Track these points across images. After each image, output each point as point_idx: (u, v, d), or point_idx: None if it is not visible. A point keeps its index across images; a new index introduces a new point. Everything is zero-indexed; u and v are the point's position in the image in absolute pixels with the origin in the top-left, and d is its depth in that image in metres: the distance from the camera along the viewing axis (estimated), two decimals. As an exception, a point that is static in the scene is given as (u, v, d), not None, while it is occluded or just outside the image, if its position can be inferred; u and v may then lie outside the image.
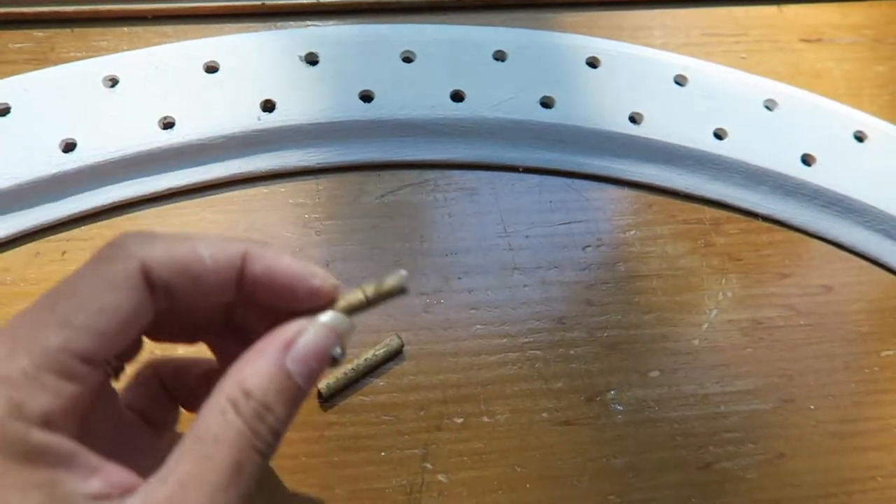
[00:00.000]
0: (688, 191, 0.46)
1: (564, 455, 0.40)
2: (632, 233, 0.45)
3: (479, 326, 0.42)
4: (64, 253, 0.40)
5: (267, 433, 0.23)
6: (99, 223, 0.41)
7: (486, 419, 0.40)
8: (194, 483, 0.21)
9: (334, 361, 0.25)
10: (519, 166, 0.45)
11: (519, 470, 0.39)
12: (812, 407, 0.43)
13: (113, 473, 0.21)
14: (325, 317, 0.25)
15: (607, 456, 0.40)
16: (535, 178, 0.46)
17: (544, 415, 0.41)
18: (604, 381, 0.42)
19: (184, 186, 0.42)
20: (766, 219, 0.46)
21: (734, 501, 0.40)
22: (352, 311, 0.26)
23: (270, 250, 0.25)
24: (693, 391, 0.42)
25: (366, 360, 0.39)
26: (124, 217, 0.41)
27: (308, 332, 0.24)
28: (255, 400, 0.22)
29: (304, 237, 0.42)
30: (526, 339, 0.42)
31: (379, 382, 0.40)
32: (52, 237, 0.40)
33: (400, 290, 0.26)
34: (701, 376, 0.42)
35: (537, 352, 0.42)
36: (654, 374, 0.42)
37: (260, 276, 0.24)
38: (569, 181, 0.46)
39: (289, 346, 0.23)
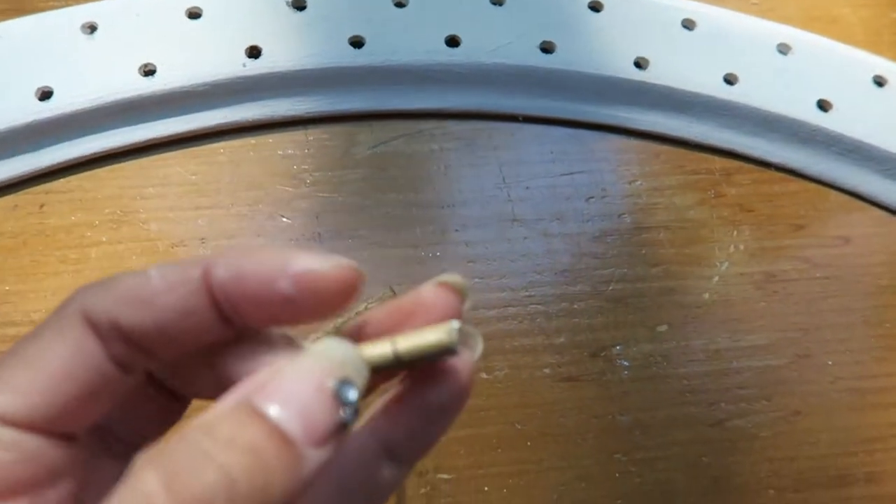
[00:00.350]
0: (696, 139, 0.44)
1: (567, 412, 0.38)
2: (638, 183, 0.43)
3: (476, 280, 0.40)
4: (42, 206, 0.38)
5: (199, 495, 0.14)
6: (79, 175, 0.39)
7: (484, 375, 0.38)
8: None
9: (342, 407, 0.16)
10: (518, 115, 0.43)
11: (519, 427, 0.37)
12: (830, 363, 0.40)
13: None
14: (318, 344, 0.17)
15: (613, 413, 0.38)
16: (536, 128, 0.44)
17: (546, 371, 0.38)
18: (609, 336, 0.40)
19: (167, 137, 0.40)
20: (779, 168, 0.44)
21: (747, 460, 0.38)
22: (373, 365, 0.18)
23: (235, 249, 0.19)
24: (703, 346, 0.40)
25: (357, 314, 0.37)
26: (106, 169, 0.40)
27: (286, 365, 0.17)
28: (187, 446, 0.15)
29: (292, 190, 0.40)
30: (526, 293, 0.40)
31: (372, 338, 0.38)
32: (29, 189, 0.39)
33: (447, 351, 0.18)
34: (711, 331, 0.40)
35: (539, 306, 0.40)
36: (662, 328, 0.40)
37: (228, 284, 0.17)
38: (571, 130, 0.44)
39: (261, 386, 0.16)
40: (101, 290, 0.18)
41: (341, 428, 0.16)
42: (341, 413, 0.16)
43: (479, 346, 0.19)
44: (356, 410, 0.16)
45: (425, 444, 0.20)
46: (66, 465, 0.18)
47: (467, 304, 0.19)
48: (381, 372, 0.18)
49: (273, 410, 0.15)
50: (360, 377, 0.17)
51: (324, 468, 0.16)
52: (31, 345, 0.17)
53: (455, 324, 0.18)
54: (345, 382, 0.16)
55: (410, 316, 0.19)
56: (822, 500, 0.38)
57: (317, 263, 0.17)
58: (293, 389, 0.16)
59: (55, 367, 0.17)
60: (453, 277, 0.19)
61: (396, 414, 0.19)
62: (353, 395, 0.16)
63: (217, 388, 0.19)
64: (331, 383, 0.16)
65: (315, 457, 0.15)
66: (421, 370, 0.19)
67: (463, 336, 0.18)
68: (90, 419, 0.18)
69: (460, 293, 0.19)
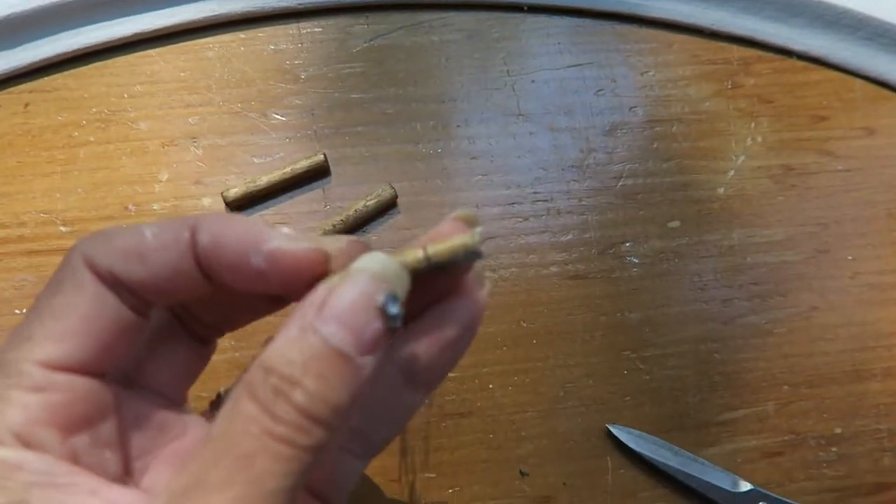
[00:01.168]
0: (713, 27, 0.41)
1: (575, 310, 0.37)
2: (650, 74, 0.41)
3: (479, 177, 0.38)
4: (27, 105, 0.37)
5: (294, 415, 0.17)
6: (64, 73, 0.38)
7: (490, 274, 0.37)
8: (190, 490, 0.17)
9: (388, 318, 0.18)
10: (523, 4, 0.41)
11: (525, 325, 0.36)
12: (849, 257, 0.39)
13: (113, 496, 0.18)
14: (361, 261, 0.19)
15: (622, 310, 0.37)
16: (542, 18, 0.41)
17: (553, 269, 0.37)
18: (618, 233, 0.38)
19: (153, 31, 0.38)
20: (801, 56, 0.41)
21: (761, 356, 0.37)
22: (409, 269, 0.19)
23: (220, 215, 0.20)
24: (717, 242, 0.38)
25: (356, 211, 0.36)
26: (91, 66, 0.38)
27: (339, 285, 0.18)
28: (276, 375, 0.17)
29: (286, 86, 0.38)
30: (532, 190, 0.38)
31: (371, 237, 0.37)
32: (13, 89, 0.37)
33: (472, 253, 0.19)
34: (726, 226, 0.39)
35: (545, 203, 0.38)
36: (674, 224, 0.38)
37: (209, 250, 0.19)
38: (579, 20, 0.41)
39: (320, 307, 0.18)
40: (100, 243, 0.20)
41: (390, 334, 0.18)
42: (389, 323, 0.18)
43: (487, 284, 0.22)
44: (401, 317, 0.18)
45: (442, 370, 0.22)
46: (109, 404, 0.20)
47: (479, 229, 0.20)
48: (416, 278, 0.19)
49: (330, 332, 0.17)
50: (403, 287, 0.19)
51: (378, 368, 0.18)
52: (55, 298, 0.19)
53: (478, 229, 0.20)
54: (390, 295, 0.18)
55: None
56: (837, 395, 0.37)
57: (288, 243, 0.19)
58: (346, 309, 0.18)
59: (82, 315, 0.19)
60: (466, 212, 0.21)
61: (416, 344, 0.21)
62: (397, 307, 0.18)
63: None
64: (380, 298, 0.18)
65: (369, 363, 0.18)
66: (440, 292, 0.21)
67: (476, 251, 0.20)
68: (121, 358, 0.20)
69: (474, 224, 0.21)
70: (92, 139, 0.37)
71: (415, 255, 0.19)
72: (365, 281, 0.18)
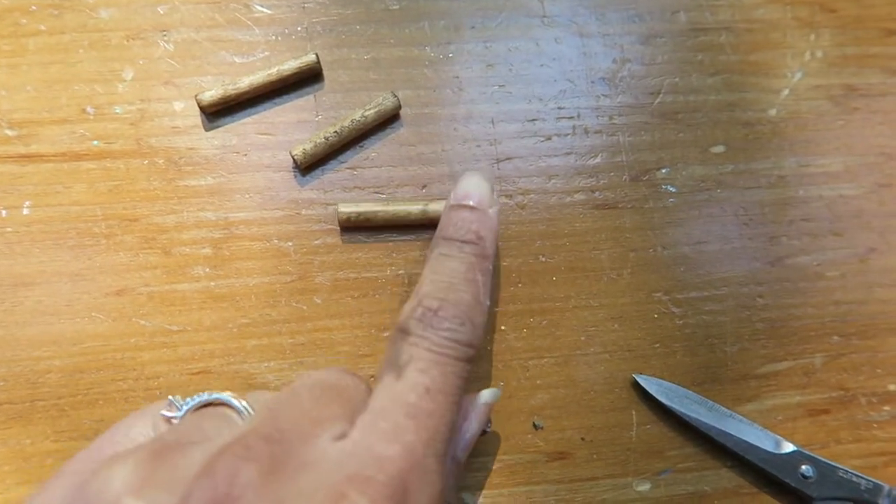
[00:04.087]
0: (772, -79, 0.35)
1: (601, 244, 0.32)
2: (697, -25, 0.35)
3: (496, 87, 0.33)
4: (-34, -14, 0.31)
5: None
6: (9, -51, 0.32)
7: (505, 200, 0.32)
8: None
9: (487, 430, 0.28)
10: None
11: (544, 260, 0.32)
12: (915, 193, 0.34)
13: None
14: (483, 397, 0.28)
15: (654, 246, 0.32)
16: None
17: (578, 196, 0.32)
18: (654, 157, 0.33)
19: None
20: (872, -41, 0.36)
21: (809, 302, 0.33)
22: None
23: None
24: (766, 171, 0.33)
25: (352, 122, 0.31)
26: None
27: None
28: None
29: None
30: (557, 105, 0.33)
31: (370, 153, 0.32)
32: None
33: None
34: (776, 153, 0.34)
35: (571, 120, 0.33)
36: (718, 149, 0.33)
37: None
38: None
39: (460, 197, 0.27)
40: None
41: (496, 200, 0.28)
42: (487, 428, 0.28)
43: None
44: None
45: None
46: None
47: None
48: None
49: (470, 201, 0.27)
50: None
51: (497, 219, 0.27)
52: None
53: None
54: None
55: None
56: (894, 349, 0.33)
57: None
58: (475, 185, 0.27)
59: None
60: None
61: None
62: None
63: None
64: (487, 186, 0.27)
65: (493, 211, 0.27)
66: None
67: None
68: None
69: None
70: (43, 28, 0.31)
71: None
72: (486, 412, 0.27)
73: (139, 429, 0.23)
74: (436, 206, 0.30)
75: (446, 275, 0.24)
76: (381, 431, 0.20)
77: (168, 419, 0.23)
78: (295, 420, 0.20)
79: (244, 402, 0.23)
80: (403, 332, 0.23)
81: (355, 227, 0.31)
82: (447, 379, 0.22)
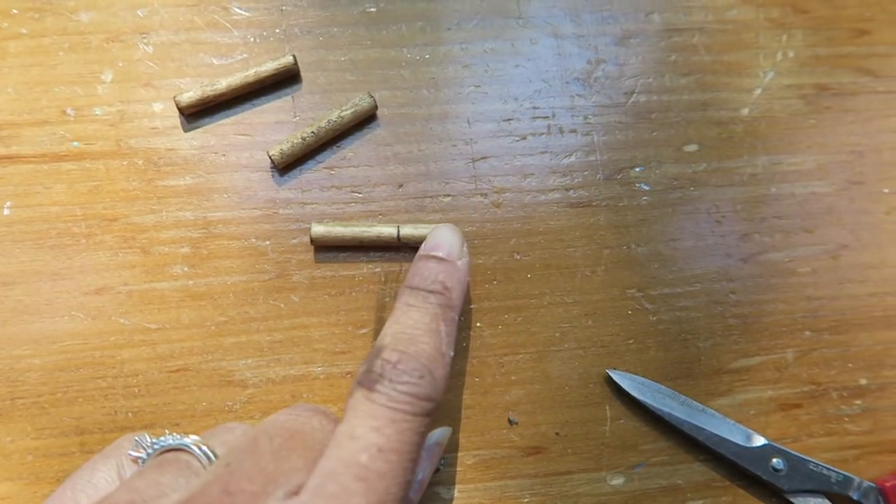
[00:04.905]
0: (745, -77, 0.36)
1: (576, 241, 0.33)
2: (670, -24, 0.35)
3: (472, 88, 0.33)
4: (-53, -10, 0.32)
5: None
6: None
7: (480, 199, 0.32)
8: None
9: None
10: None
11: (519, 258, 0.32)
12: (886, 191, 0.34)
13: None
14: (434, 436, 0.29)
15: (628, 243, 0.33)
16: None
17: (553, 194, 0.33)
18: (628, 156, 0.34)
19: None
20: (843, -40, 0.36)
21: (782, 298, 0.33)
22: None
23: None
24: (739, 169, 0.34)
25: (329, 122, 0.31)
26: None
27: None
28: None
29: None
30: (532, 104, 0.33)
31: (347, 153, 0.32)
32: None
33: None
34: (749, 151, 0.34)
35: (546, 119, 0.33)
36: (691, 147, 0.34)
37: None
38: (592, -90, 0.36)
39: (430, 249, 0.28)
40: None
41: (465, 253, 0.28)
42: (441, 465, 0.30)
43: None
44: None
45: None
46: None
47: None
48: None
49: (440, 252, 0.27)
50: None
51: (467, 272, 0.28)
52: None
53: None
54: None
55: None
56: (865, 344, 0.33)
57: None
58: (445, 237, 0.28)
59: None
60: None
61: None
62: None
63: None
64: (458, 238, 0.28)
65: (462, 263, 0.27)
66: None
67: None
68: None
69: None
70: (24, 31, 0.32)
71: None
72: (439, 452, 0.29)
73: (102, 473, 0.23)
74: (408, 230, 0.30)
75: (409, 326, 0.24)
76: (328, 495, 0.20)
77: (135, 459, 0.23)
78: (250, 477, 0.20)
79: (205, 448, 0.23)
80: (361, 385, 0.22)
81: (326, 247, 0.31)
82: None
